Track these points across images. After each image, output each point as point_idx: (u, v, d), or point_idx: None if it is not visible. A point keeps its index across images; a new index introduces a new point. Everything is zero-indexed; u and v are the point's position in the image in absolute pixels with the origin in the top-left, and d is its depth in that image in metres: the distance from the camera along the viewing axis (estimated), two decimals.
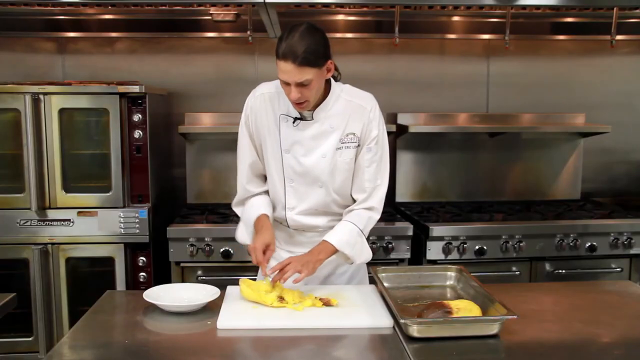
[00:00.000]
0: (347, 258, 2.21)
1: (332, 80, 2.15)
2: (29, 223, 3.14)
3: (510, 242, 3.26)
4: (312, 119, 2.13)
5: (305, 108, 2.08)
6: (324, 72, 2.03)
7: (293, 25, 2.01)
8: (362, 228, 2.19)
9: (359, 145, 2.16)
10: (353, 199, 2.25)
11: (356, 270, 2.35)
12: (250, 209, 2.24)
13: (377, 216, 2.25)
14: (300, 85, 1.98)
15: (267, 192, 2.29)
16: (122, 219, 3.16)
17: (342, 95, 2.15)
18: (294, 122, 2.14)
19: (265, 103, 2.17)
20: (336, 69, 2.15)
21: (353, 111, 2.14)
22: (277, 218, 2.30)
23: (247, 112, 2.21)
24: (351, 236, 2.16)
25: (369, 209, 2.22)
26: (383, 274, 2.16)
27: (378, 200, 2.23)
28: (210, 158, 3.81)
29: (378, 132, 2.17)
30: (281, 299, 1.98)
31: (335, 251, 2.15)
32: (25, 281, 3.17)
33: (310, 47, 1.94)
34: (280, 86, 2.08)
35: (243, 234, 2.28)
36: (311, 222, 2.24)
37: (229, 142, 3.78)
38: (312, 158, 2.15)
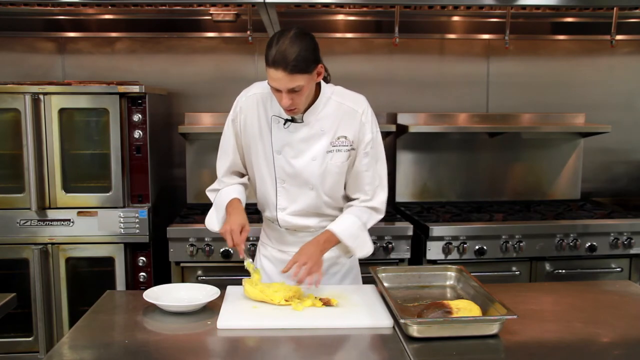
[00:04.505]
0: (347, 251, 2.22)
1: (322, 82, 2.14)
2: (29, 223, 3.15)
3: (510, 242, 3.26)
4: (302, 122, 2.13)
5: (297, 113, 2.08)
6: (314, 76, 2.02)
7: (281, 30, 2.00)
8: (364, 221, 2.20)
9: (352, 149, 2.16)
10: (350, 198, 2.26)
11: (348, 270, 2.35)
12: (222, 194, 2.25)
13: (380, 217, 2.27)
14: (292, 91, 1.97)
15: (241, 184, 2.30)
16: (122, 219, 3.16)
17: (333, 97, 2.14)
18: (284, 124, 2.13)
19: (257, 104, 2.17)
20: (326, 70, 2.13)
21: (344, 114, 2.13)
22: (268, 218, 2.31)
23: (237, 110, 2.20)
24: (354, 229, 2.17)
25: (371, 209, 2.23)
26: (383, 274, 2.16)
27: (380, 202, 2.24)
28: (210, 158, 3.76)
29: (372, 135, 2.17)
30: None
31: (338, 242, 2.15)
32: (25, 281, 3.17)
33: (301, 53, 1.93)
34: None
35: (212, 219, 2.26)
36: (302, 223, 2.24)
37: None
38: (303, 160, 2.14)
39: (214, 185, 2.33)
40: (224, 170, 2.28)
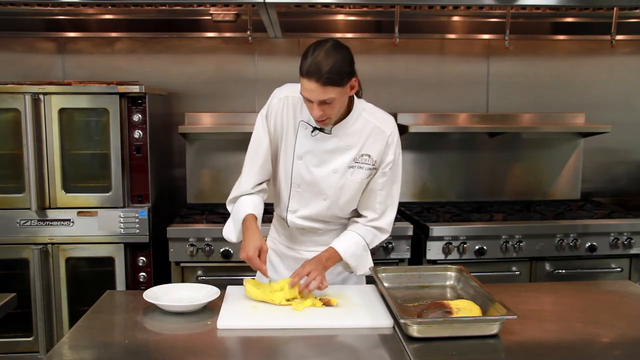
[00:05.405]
0: (349, 267, 2.24)
1: (355, 97, 2.14)
2: (29, 223, 3.15)
3: (510, 242, 3.26)
4: (331, 134, 2.12)
5: (327, 124, 2.08)
6: (347, 89, 2.01)
7: (318, 41, 1.98)
8: (368, 242, 2.22)
9: (374, 168, 2.16)
10: (359, 214, 2.26)
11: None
12: (240, 206, 2.20)
13: (385, 236, 2.28)
14: (323, 103, 1.96)
15: (259, 192, 2.25)
16: (122, 219, 3.17)
17: (363, 114, 2.14)
18: (312, 132, 2.13)
19: (287, 106, 2.15)
20: (359, 84, 2.10)
21: (372, 133, 2.13)
22: (278, 215, 2.32)
23: (269, 109, 2.18)
24: (357, 248, 2.19)
25: (377, 229, 2.24)
26: (383, 274, 2.16)
27: (387, 222, 2.25)
28: (210, 158, 3.81)
29: (394, 157, 2.17)
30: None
31: (340, 259, 2.17)
32: (25, 281, 3.17)
33: (335, 66, 1.92)
34: None
35: (230, 230, 2.24)
36: (311, 225, 2.25)
37: (229, 142, 3.79)
38: (323, 171, 2.14)
39: (234, 195, 2.26)
40: (254, 175, 2.20)
